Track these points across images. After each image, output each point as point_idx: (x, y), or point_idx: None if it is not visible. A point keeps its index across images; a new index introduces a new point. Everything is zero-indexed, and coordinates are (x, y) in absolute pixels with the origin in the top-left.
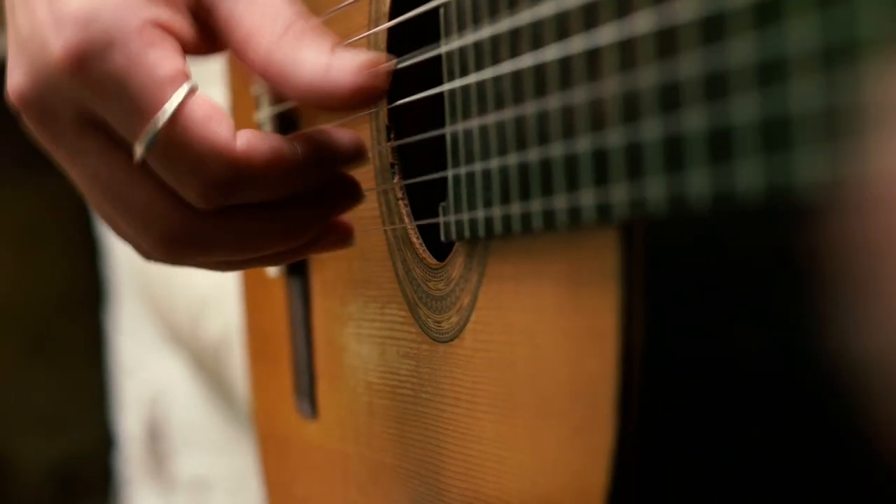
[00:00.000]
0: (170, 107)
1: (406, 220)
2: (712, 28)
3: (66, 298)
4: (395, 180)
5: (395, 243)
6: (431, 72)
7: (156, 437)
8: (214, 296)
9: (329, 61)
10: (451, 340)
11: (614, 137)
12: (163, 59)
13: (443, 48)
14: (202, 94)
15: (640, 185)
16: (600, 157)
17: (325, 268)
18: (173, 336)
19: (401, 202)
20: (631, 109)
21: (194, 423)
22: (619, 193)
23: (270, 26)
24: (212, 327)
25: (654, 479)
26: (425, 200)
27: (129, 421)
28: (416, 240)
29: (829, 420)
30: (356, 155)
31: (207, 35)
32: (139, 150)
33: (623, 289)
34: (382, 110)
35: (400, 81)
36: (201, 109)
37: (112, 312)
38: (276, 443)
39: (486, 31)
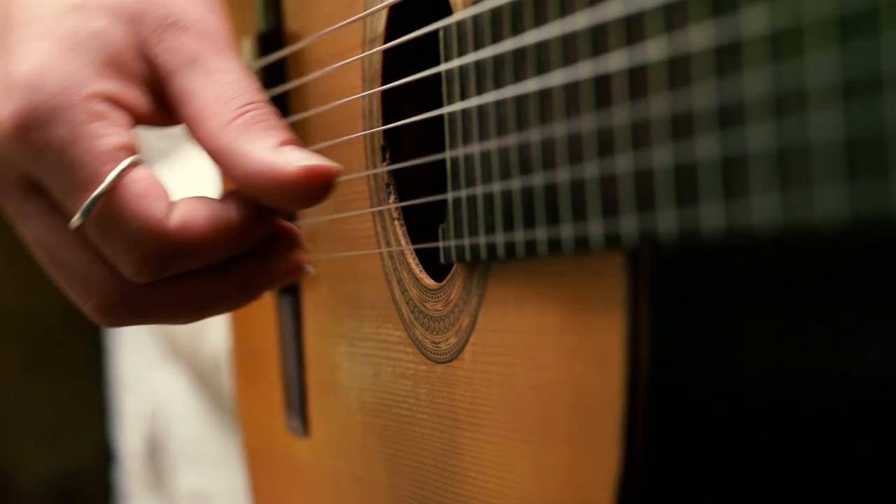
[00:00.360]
0: (107, 181)
1: (403, 241)
2: (726, 57)
3: (66, 312)
4: (390, 200)
5: (390, 263)
6: (430, 91)
7: (156, 452)
8: None
9: (273, 156)
10: (450, 361)
11: (624, 167)
12: (105, 132)
13: (441, 68)
14: (144, 169)
15: (651, 216)
16: (609, 187)
17: (318, 287)
18: (173, 350)
19: (397, 222)
20: (641, 139)
21: (194, 437)
22: (629, 224)
23: (221, 109)
24: (212, 341)
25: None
26: (421, 219)
27: (129, 435)
28: (412, 261)
29: (838, 447)
30: (298, 205)
31: (164, 106)
32: (75, 221)
33: (629, 313)
34: (378, 130)
35: (397, 100)
36: (138, 185)
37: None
38: (266, 460)
39: (488, 52)
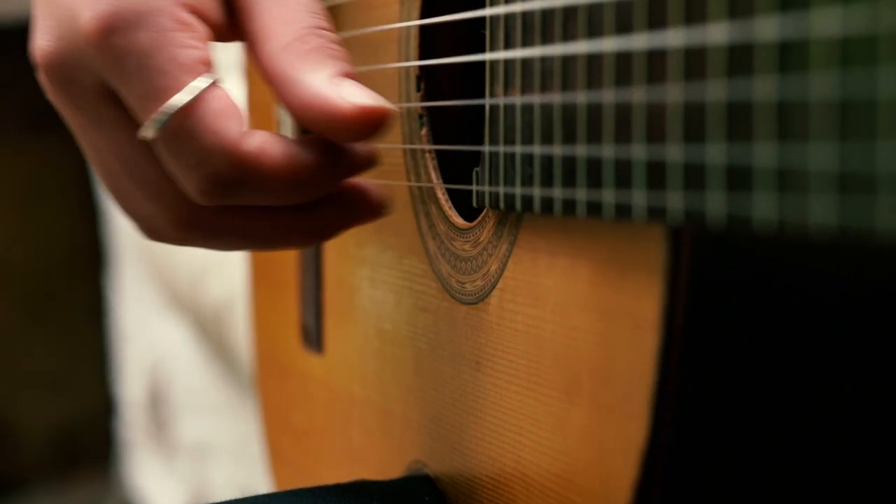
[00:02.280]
0: (186, 94)
1: (433, 176)
2: (789, 54)
3: (67, 262)
4: (422, 131)
5: (418, 195)
6: (469, 23)
7: (157, 402)
8: (215, 260)
9: (329, 89)
10: (475, 304)
11: (674, 150)
12: (189, 44)
13: (487, 12)
14: (222, 87)
15: (700, 197)
16: (657, 165)
17: None
18: (174, 300)
19: (427, 155)
20: (695, 123)
21: (195, 388)
22: (676, 200)
23: (281, 30)
24: (213, 291)
25: (684, 477)
26: (455, 155)
27: (131, 386)
28: (441, 195)
29: (868, 423)
30: (370, 165)
31: (233, 21)
32: (148, 132)
33: (668, 281)
34: (413, 61)
35: (435, 29)
36: (217, 103)
37: (113, 277)
38: (277, 369)
39: (536, 4)
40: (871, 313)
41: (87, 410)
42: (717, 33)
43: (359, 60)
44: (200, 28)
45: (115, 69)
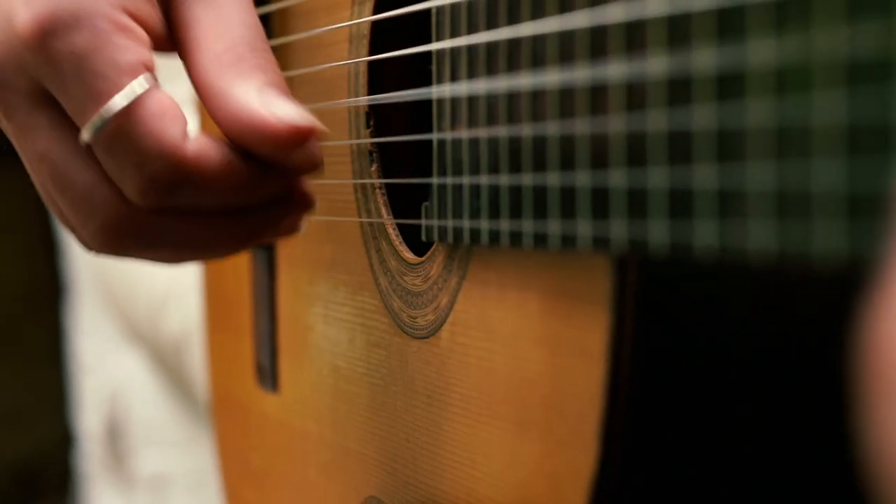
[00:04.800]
0: (125, 97)
1: (384, 211)
2: (729, 83)
3: (25, 295)
4: (372, 168)
5: (369, 231)
6: (419, 57)
7: (115, 435)
8: (174, 292)
9: (258, 103)
10: (427, 338)
11: (617, 177)
12: (127, 46)
13: (433, 47)
14: (162, 90)
15: (643, 226)
16: (601, 193)
17: (293, 243)
18: (133, 332)
19: (378, 191)
20: (637, 152)
21: (154, 420)
22: (619, 230)
23: (214, 42)
24: (172, 323)
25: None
26: (405, 191)
27: (89, 419)
28: (392, 231)
29: (825, 454)
30: (312, 169)
31: (169, 32)
32: (86, 135)
33: (614, 310)
34: (371, 98)
35: (384, 65)
36: (157, 105)
37: (72, 309)
38: (232, 410)
39: (482, 38)
40: (815, 335)
41: (45, 444)
42: (656, 65)
43: (309, 100)
44: (139, 32)
45: (51, 72)
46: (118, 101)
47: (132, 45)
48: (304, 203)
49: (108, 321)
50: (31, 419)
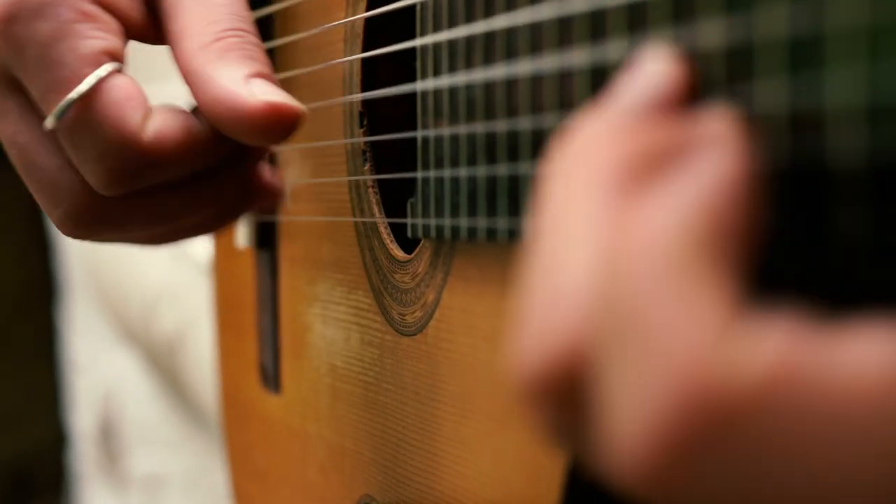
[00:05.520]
0: (85, 84)
1: (375, 210)
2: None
3: (18, 295)
4: (365, 167)
5: (363, 230)
6: (411, 58)
7: (109, 435)
8: (167, 292)
9: (240, 87)
10: (415, 335)
11: None
12: (90, 34)
13: (416, 42)
14: (125, 77)
15: None
16: None
17: (294, 245)
18: (126, 332)
19: (371, 190)
20: None
21: (148, 420)
22: None
23: (201, 29)
24: (165, 323)
25: (607, 499)
26: (397, 190)
27: (83, 418)
28: (384, 230)
29: None
30: (258, 140)
31: (156, 22)
32: (49, 122)
33: None
34: (357, 97)
35: (377, 65)
36: (116, 92)
37: (65, 309)
38: (239, 411)
39: (461, 32)
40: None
41: (38, 444)
42: (615, 50)
43: (306, 101)
44: (107, 19)
45: (16, 59)
46: (77, 90)
47: (96, 34)
48: (259, 153)
49: (101, 321)
50: (24, 419)
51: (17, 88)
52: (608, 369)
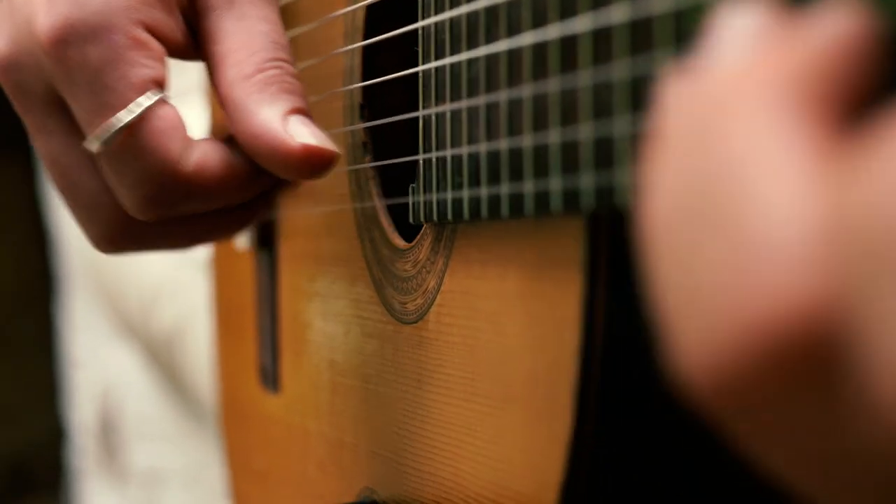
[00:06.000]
0: (131, 111)
1: (375, 199)
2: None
3: (17, 291)
4: (366, 158)
5: (363, 222)
6: (411, 50)
7: (108, 430)
8: (166, 287)
9: (280, 125)
10: (416, 322)
11: (585, 130)
12: (141, 62)
13: (418, 25)
14: (170, 107)
15: (609, 175)
16: (570, 148)
17: (294, 242)
18: (125, 327)
19: (371, 181)
20: (603, 104)
21: (147, 415)
22: (587, 181)
23: (244, 59)
24: (164, 318)
25: (610, 473)
26: (397, 181)
27: (82, 413)
28: (384, 219)
29: None
30: (292, 176)
31: (194, 40)
32: (91, 145)
33: (586, 278)
34: (357, 87)
35: (377, 58)
36: (161, 122)
37: (64, 304)
38: (238, 412)
39: (462, 10)
40: None
41: (37, 438)
42: (618, 13)
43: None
44: (156, 46)
45: (65, 80)
46: (123, 116)
47: (146, 62)
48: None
49: (100, 316)
50: (23, 414)
51: (62, 108)
52: (878, 324)
